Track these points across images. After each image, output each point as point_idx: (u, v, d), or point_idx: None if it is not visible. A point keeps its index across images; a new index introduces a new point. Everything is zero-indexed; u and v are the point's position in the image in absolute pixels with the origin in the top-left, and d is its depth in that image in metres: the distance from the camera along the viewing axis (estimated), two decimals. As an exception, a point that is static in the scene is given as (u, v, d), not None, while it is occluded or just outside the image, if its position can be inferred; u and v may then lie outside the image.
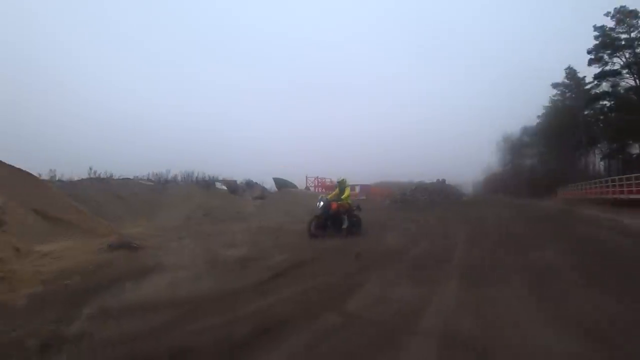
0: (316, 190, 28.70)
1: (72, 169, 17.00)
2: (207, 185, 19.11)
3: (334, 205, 9.47)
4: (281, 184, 25.39)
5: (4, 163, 10.04)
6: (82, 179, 16.28)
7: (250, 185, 23.93)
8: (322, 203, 9.61)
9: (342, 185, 10.32)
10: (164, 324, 3.44)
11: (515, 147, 35.13)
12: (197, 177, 19.76)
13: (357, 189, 29.83)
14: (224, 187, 20.25)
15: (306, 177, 29.14)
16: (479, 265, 5.77)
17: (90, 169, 17.11)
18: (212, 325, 3.37)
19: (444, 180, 31.80)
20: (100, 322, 3.52)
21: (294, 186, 26.67)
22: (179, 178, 19.33)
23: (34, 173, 11.77)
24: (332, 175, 30.27)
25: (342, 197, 9.82)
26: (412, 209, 17.55)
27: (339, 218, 9.38)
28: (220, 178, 21.40)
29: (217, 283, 4.87)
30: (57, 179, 15.68)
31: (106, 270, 5.45)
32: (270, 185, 25.59)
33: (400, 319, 3.51)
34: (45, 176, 14.58)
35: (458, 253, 6.81)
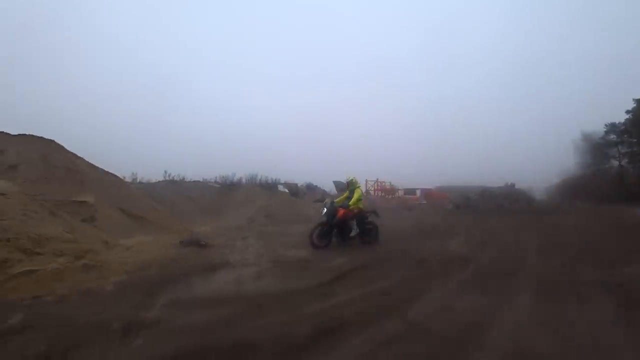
0: (375, 194, 28.28)
1: (150, 172, 18.80)
2: (269, 187, 19.81)
3: (341, 211, 7.95)
4: (341, 187, 25.43)
5: (95, 166, 11.35)
6: (159, 181, 17.90)
7: (310, 188, 24.39)
8: (325, 209, 8.21)
9: (351, 186, 8.70)
10: (229, 318, 3.61)
11: (599, 147, 30.57)
12: (260, 180, 20.58)
13: (418, 193, 28.90)
14: (286, 190, 20.83)
15: (366, 181, 28.86)
16: (555, 279, 5.20)
17: (166, 172, 18.79)
18: (274, 323, 3.47)
19: (512, 185, 29.39)
20: (173, 311, 3.81)
21: (353, 189, 26.60)
22: (244, 181, 20.29)
23: (119, 176, 13.22)
24: (393, 178, 29.68)
25: (351, 201, 8.24)
26: (477, 214, 16.41)
27: (346, 226, 8.02)
28: (282, 181, 22.10)
29: (279, 282, 5.00)
30: (137, 181, 17.44)
31: (179, 264, 5.87)
32: (330, 188, 25.80)
33: (465, 331, 3.31)
34: (128, 178, 16.30)
35: (530, 264, 6.21)
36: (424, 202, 26.06)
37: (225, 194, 17.68)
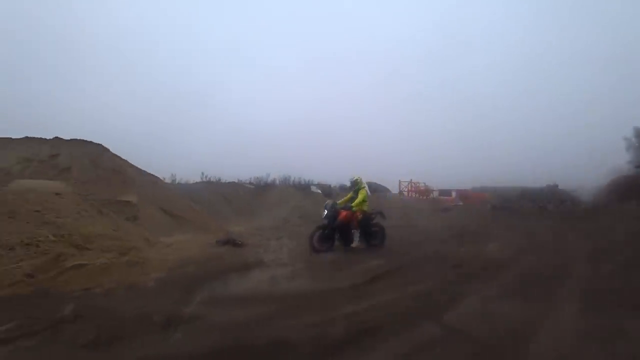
0: (409, 195, 27.69)
1: (188, 174, 19.52)
2: (303, 188, 20.00)
3: (343, 213, 7.49)
4: (374, 188, 25.17)
5: (138, 168, 11.97)
6: (196, 182, 18.56)
7: (343, 189, 24.33)
8: (326, 211, 7.70)
9: (355, 186, 8.15)
10: (264, 316, 3.66)
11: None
12: (293, 181, 20.82)
13: (453, 194, 27.94)
14: (319, 191, 20.93)
15: (399, 181, 28.33)
16: (605, 288, 4.82)
17: (203, 173, 19.47)
18: (308, 323, 3.48)
19: (555, 185, 27.54)
20: (210, 307, 3.92)
21: (387, 190, 26.19)
22: (277, 182, 20.63)
23: (159, 177, 13.88)
24: (427, 179, 28.92)
25: (354, 203, 7.75)
26: (516, 217, 15.58)
27: (349, 229, 7.55)
28: (316, 182, 22.23)
29: (313, 282, 5.03)
30: (176, 181, 18.16)
31: (215, 262, 6.06)
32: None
33: (506, 339, 3.15)
34: (167, 179, 17.01)
35: (578, 271, 5.79)
36: (460, 203, 25.13)
37: (259, 195, 18.06)
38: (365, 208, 7.81)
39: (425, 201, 25.81)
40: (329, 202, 8.05)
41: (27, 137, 10.79)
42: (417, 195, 28.07)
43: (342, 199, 8.31)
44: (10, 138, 10.66)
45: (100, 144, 11.26)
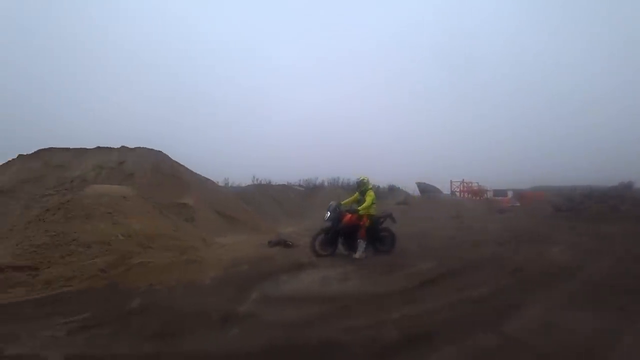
0: (461, 196, 26.47)
1: (240, 177, 20.34)
2: (351, 189, 19.93)
3: (347, 216, 6.87)
4: (424, 188, 24.37)
5: (194, 172, 12.68)
6: (248, 185, 19.26)
7: (392, 190, 23.92)
8: (329, 213, 7.07)
9: (362, 187, 7.34)
10: (316, 317, 3.66)
11: None
12: (342, 183, 20.84)
13: (509, 194, 26.17)
14: (368, 192, 20.68)
15: (450, 182, 27.19)
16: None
17: (254, 176, 20.16)
18: (360, 326, 3.41)
19: (630, 184, 24.56)
20: (264, 306, 4.00)
21: (438, 191, 25.25)
22: (326, 184, 20.76)
23: (214, 180, 14.59)
24: (480, 178, 27.47)
25: (361, 207, 6.96)
26: (583, 218, 14.09)
27: (353, 234, 6.86)
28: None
29: (364, 284, 4.93)
30: (229, 185, 18.99)
31: (268, 262, 6.18)
32: (413, 190, 24.94)
33: (576, 353, 2.85)
34: (221, 183, 17.85)
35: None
36: (517, 204, 23.44)
37: (308, 197, 18.30)
38: (372, 212, 7.11)
39: (479, 202, 24.48)
40: (332, 203, 7.42)
41: (98, 147, 11.91)
42: (470, 195, 26.73)
43: (347, 200, 7.77)
44: (85, 148, 11.81)
45: (161, 151, 12.12)
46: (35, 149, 11.36)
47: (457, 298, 4.28)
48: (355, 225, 6.84)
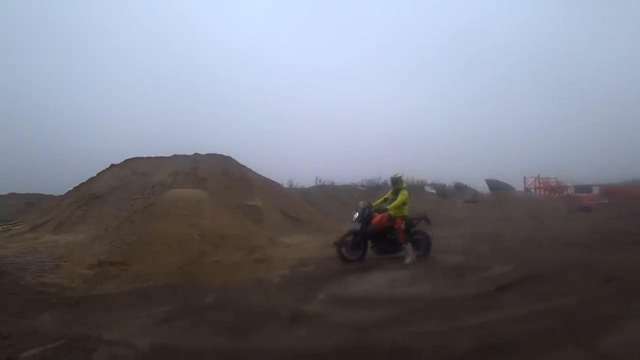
0: (537, 192, 24.08)
1: (304, 179, 20.71)
2: (416, 189, 19.26)
3: (377, 217, 6.40)
4: (495, 186, 22.59)
5: (261, 175, 13.21)
6: (312, 187, 19.57)
7: (459, 188, 22.58)
8: (357, 214, 6.65)
9: (396, 185, 6.87)
10: (385, 320, 3.53)
11: None
12: (406, 182, 20.29)
13: (595, 190, 23.00)
14: (433, 191, 19.91)
15: (524, 178, 24.82)
16: None
17: (317, 177, 20.41)
18: (431, 331, 3.22)
19: None
20: (331, 306, 4.00)
21: (511, 188, 23.20)
22: (389, 183, 20.34)
23: (279, 182, 15.08)
24: (558, 174, 24.74)
25: (391, 205, 6.52)
26: None
27: (384, 236, 6.41)
28: (429, 182, 21.18)
29: (434, 288, 4.67)
30: (293, 186, 19.45)
31: (334, 263, 6.17)
32: (482, 187, 23.28)
33: None
34: (285, 184, 18.34)
35: None
36: (605, 201, 20.60)
37: (371, 197, 17.99)
38: (405, 212, 6.61)
39: (558, 199, 22.03)
40: (361, 203, 6.99)
41: (175, 155, 13.00)
42: (547, 192, 24.19)
43: (378, 200, 7.21)
44: (163, 157, 12.97)
45: (229, 156, 12.86)
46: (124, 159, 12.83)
47: (538, 307, 3.77)
48: (386, 226, 6.43)
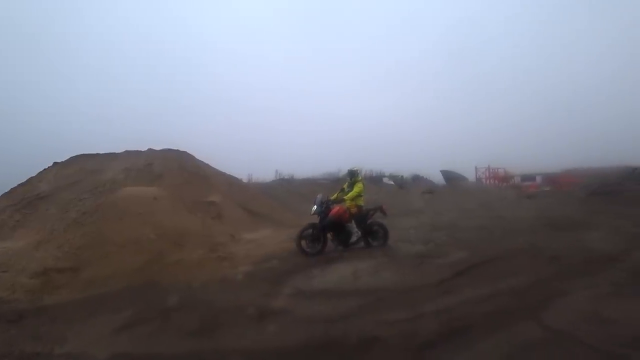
0: (488, 182, 25.67)
1: (264, 173, 20.49)
2: (375, 181, 19.73)
3: (335, 209, 6.57)
4: (449, 176, 23.73)
5: (219, 171, 12.87)
6: (272, 181, 19.39)
7: (417, 179, 23.45)
8: (315, 206, 6.74)
9: (351, 177, 7.14)
10: (351, 311, 3.62)
11: None
12: (365, 174, 20.69)
13: (538, 180, 25.02)
14: (391, 182, 20.49)
15: (475, 168, 26.32)
16: None
17: (276, 171, 20.31)
18: (397, 319, 3.35)
19: None
20: (298, 301, 4.01)
21: (464, 179, 24.54)
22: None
23: (238, 177, 14.77)
24: (507, 163, 26.46)
25: (347, 195, 6.78)
26: (622, 202, 13.26)
27: (343, 227, 6.61)
28: (387, 173, 21.78)
29: (397, 277, 4.82)
30: (253, 180, 19.16)
31: (297, 257, 6.16)
32: (437, 178, 24.37)
33: (628, 348, 2.68)
34: (245, 179, 18.01)
35: None
36: (547, 189, 22.39)
37: (333, 190, 18.19)
38: (360, 203, 6.85)
39: (507, 188, 23.64)
40: (319, 195, 7.06)
41: (127, 151, 12.25)
42: (496, 182, 25.88)
43: (335, 195, 7.25)
44: (115, 153, 12.18)
45: (185, 151, 12.34)
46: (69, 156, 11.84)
47: (494, 288, 4.12)
48: (344, 217, 6.59)
